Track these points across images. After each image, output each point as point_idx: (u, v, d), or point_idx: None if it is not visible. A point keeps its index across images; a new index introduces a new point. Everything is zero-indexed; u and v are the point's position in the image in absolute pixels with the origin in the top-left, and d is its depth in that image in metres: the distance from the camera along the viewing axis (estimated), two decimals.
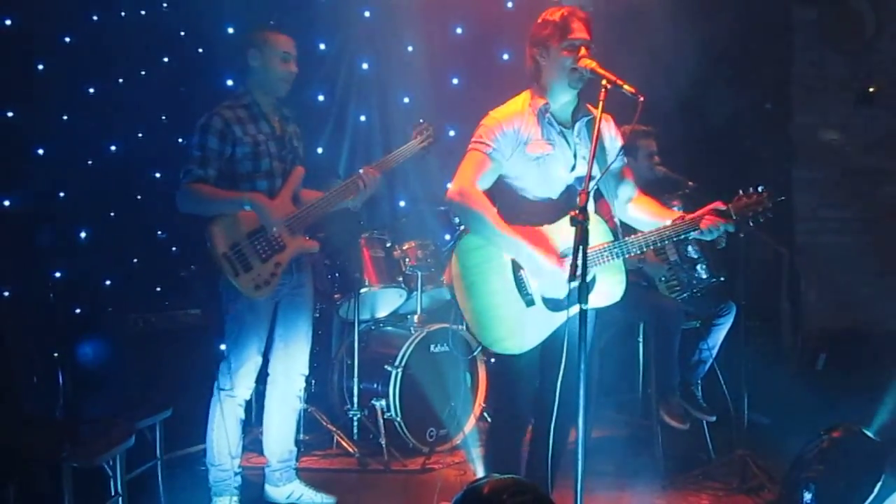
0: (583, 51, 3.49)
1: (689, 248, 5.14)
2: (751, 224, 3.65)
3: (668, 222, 3.62)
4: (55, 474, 3.42)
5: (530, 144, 3.55)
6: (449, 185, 3.56)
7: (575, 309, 2.99)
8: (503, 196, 3.61)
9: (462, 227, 5.77)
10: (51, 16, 5.61)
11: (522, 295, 3.49)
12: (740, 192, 3.65)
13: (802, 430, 4.92)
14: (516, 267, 3.49)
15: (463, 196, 3.48)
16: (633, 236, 3.58)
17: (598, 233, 3.57)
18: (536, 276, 3.46)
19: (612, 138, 3.75)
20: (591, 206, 3.64)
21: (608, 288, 3.61)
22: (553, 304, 3.48)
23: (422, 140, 4.67)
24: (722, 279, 5.26)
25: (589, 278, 3.52)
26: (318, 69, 6.59)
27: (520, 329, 3.47)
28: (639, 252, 3.60)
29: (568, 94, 3.60)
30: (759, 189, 3.63)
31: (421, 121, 4.78)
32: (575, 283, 2.91)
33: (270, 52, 4.29)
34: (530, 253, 3.40)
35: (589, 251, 3.43)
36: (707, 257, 5.20)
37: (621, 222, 3.74)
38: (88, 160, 5.91)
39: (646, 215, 3.74)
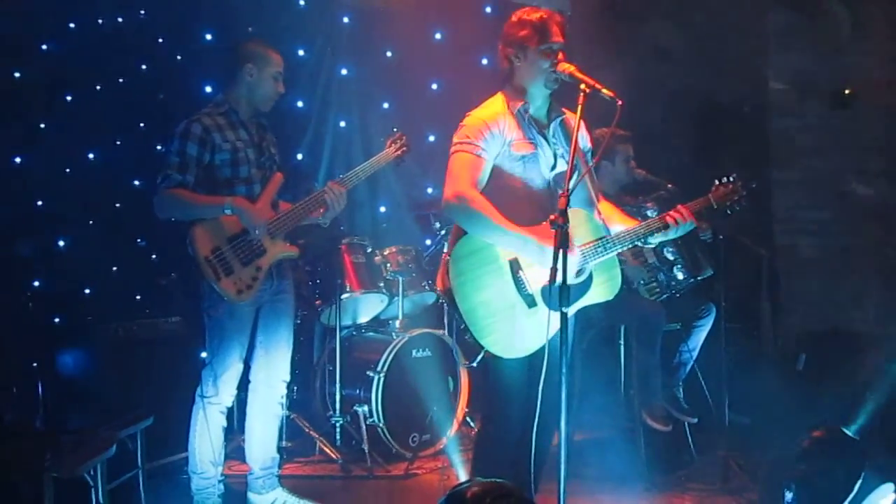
0: (560, 55, 3.52)
1: (666, 249, 5.17)
2: (728, 213, 3.73)
3: (640, 224, 3.65)
4: (36, 485, 3.39)
5: (514, 144, 3.54)
6: (443, 190, 3.50)
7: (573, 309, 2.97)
8: (488, 197, 3.55)
9: (444, 232, 5.84)
10: (28, 24, 5.58)
11: (523, 296, 3.46)
12: (716, 181, 3.75)
13: (783, 430, 4.95)
14: (515, 268, 3.47)
15: (462, 199, 3.42)
16: (621, 231, 3.60)
17: (591, 229, 3.59)
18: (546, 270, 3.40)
19: (584, 139, 3.78)
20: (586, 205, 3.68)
21: (606, 283, 3.63)
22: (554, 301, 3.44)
23: (396, 149, 4.70)
24: (700, 278, 5.30)
25: (585, 275, 3.54)
26: (297, 75, 6.57)
27: (523, 331, 3.43)
28: (631, 246, 3.62)
29: (543, 94, 3.62)
30: (732, 178, 3.73)
31: (394, 130, 4.81)
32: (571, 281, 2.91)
33: (267, 70, 4.32)
34: (540, 246, 3.36)
35: (584, 247, 3.48)
36: (684, 258, 5.23)
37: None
38: (66, 168, 5.88)
39: (611, 223, 3.73)
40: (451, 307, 3.48)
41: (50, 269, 5.62)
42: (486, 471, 3.53)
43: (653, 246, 3.84)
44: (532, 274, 3.47)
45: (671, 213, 3.62)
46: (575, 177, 3.19)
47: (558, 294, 2.94)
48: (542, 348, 3.29)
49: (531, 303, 3.47)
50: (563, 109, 3.71)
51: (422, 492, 5.03)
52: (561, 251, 2.94)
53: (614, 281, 3.66)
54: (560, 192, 3.10)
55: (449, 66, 7.05)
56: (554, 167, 3.64)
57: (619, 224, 3.67)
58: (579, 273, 3.52)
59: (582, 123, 3.66)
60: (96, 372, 5.07)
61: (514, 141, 3.55)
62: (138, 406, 4.34)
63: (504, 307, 3.44)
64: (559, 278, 2.92)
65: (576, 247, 3.47)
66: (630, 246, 3.62)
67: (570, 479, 2.97)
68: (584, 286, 3.56)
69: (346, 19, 6.89)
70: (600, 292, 3.63)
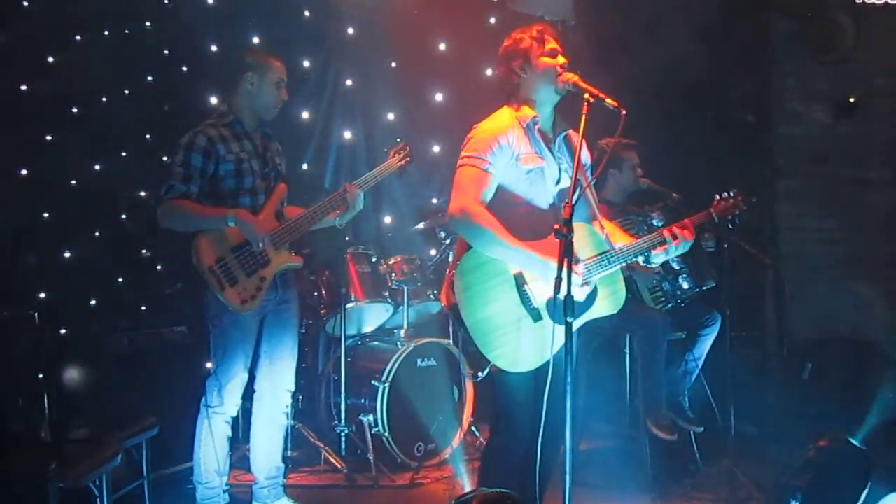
0: (560, 58, 3.53)
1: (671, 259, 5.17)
2: (730, 226, 3.72)
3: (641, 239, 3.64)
4: (41, 495, 3.39)
5: (522, 157, 3.53)
6: (449, 204, 3.50)
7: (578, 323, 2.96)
8: (492, 212, 3.51)
9: (448, 242, 5.85)
10: (34, 36, 5.62)
11: (528, 310, 3.45)
12: (717, 196, 3.75)
13: (789, 439, 4.95)
14: (520, 282, 3.46)
15: (467, 214, 3.41)
16: (623, 245, 3.60)
17: (594, 243, 3.58)
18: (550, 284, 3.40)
19: (585, 154, 3.78)
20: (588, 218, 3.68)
21: (610, 296, 3.62)
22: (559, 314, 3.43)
23: (399, 160, 4.73)
24: (705, 286, 5.30)
25: (590, 289, 3.54)
26: (302, 86, 6.61)
27: (529, 345, 3.41)
28: (634, 260, 3.61)
29: (551, 103, 3.62)
30: (733, 193, 3.73)
31: (398, 140, 4.85)
32: (575, 293, 2.91)
33: (268, 77, 4.32)
34: (545, 262, 3.35)
35: (587, 261, 3.48)
36: (689, 267, 5.23)
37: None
38: (72, 180, 5.91)
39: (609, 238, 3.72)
40: (456, 322, 3.48)
41: (56, 281, 5.64)
42: (493, 482, 3.53)
43: (656, 265, 3.83)
44: (537, 287, 3.46)
45: (673, 227, 3.61)
46: (578, 189, 3.20)
47: (563, 306, 2.94)
48: (548, 361, 3.30)
49: (536, 316, 3.46)
50: (568, 126, 3.71)
51: (427, 501, 5.02)
52: (565, 262, 2.94)
53: (619, 295, 3.65)
54: (564, 203, 3.10)
55: (453, 77, 7.07)
56: (559, 181, 3.64)
57: (620, 241, 3.67)
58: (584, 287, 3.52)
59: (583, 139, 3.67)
60: (102, 382, 5.07)
61: (522, 154, 3.54)
62: (143, 416, 4.35)
63: (509, 321, 3.44)
64: (563, 289, 2.92)
65: (580, 261, 3.47)
66: (633, 260, 3.60)
67: (575, 488, 2.96)
68: (589, 300, 3.56)
69: (350, 30, 6.91)
70: (605, 306, 3.62)
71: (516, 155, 3.53)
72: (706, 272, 5.38)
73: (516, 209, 3.55)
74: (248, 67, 4.31)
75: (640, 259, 3.60)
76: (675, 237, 3.54)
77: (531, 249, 3.40)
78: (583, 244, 3.50)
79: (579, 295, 3.42)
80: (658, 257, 3.61)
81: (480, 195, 3.48)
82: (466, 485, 4.95)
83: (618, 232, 3.75)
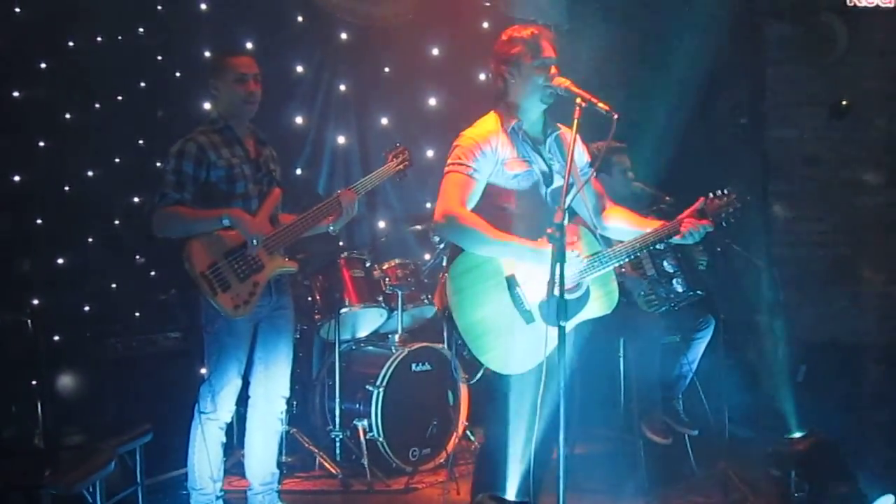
0: (553, 69, 3.53)
1: (665, 262, 5.16)
2: (724, 225, 3.73)
3: (649, 230, 3.64)
4: (35, 502, 3.39)
5: (508, 163, 3.54)
6: (434, 210, 3.51)
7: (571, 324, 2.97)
8: (483, 216, 3.52)
9: (442, 246, 5.85)
10: (26, 42, 5.60)
11: (521, 312, 3.46)
12: (710, 194, 3.75)
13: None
14: (512, 284, 3.47)
15: (450, 217, 3.43)
16: (617, 245, 3.60)
17: (587, 244, 3.59)
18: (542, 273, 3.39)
19: (581, 153, 3.78)
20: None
21: (603, 297, 3.62)
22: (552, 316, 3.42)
23: (398, 164, 4.75)
24: (700, 292, 5.30)
25: (582, 291, 3.54)
26: (295, 91, 6.61)
27: (522, 347, 3.42)
28: (627, 260, 3.62)
29: (538, 110, 3.63)
30: (726, 191, 3.73)
31: (397, 144, 4.85)
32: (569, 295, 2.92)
33: (227, 76, 4.31)
34: (536, 249, 3.36)
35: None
36: (684, 271, 5.23)
37: (602, 236, 3.74)
38: (66, 186, 5.89)
39: (625, 224, 3.75)
40: (449, 325, 3.48)
41: (49, 287, 5.61)
42: (487, 485, 3.54)
43: (660, 248, 3.84)
44: (530, 290, 3.47)
45: (685, 222, 3.60)
46: (572, 191, 3.20)
47: (556, 308, 2.94)
48: (541, 363, 3.29)
49: (529, 318, 3.46)
50: (559, 125, 3.71)
51: None
52: (559, 265, 2.94)
53: (612, 295, 3.66)
54: (557, 207, 3.11)
55: (446, 82, 7.07)
56: (551, 183, 3.65)
57: (637, 226, 3.69)
58: (576, 288, 3.52)
59: (578, 138, 3.67)
60: (96, 388, 5.06)
61: (507, 160, 3.55)
62: (137, 422, 4.34)
63: (502, 324, 3.44)
64: (556, 291, 2.92)
65: (583, 256, 3.49)
66: (627, 259, 3.61)
67: (570, 492, 2.97)
68: (582, 301, 3.56)
69: (343, 35, 6.91)
70: (598, 307, 3.63)
71: (501, 161, 3.53)
72: (698, 279, 5.39)
73: (506, 214, 3.56)
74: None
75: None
76: (689, 230, 3.56)
77: (522, 241, 3.40)
78: (576, 246, 3.51)
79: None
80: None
81: (465, 199, 3.49)
82: (461, 489, 4.95)
83: (632, 216, 3.78)
